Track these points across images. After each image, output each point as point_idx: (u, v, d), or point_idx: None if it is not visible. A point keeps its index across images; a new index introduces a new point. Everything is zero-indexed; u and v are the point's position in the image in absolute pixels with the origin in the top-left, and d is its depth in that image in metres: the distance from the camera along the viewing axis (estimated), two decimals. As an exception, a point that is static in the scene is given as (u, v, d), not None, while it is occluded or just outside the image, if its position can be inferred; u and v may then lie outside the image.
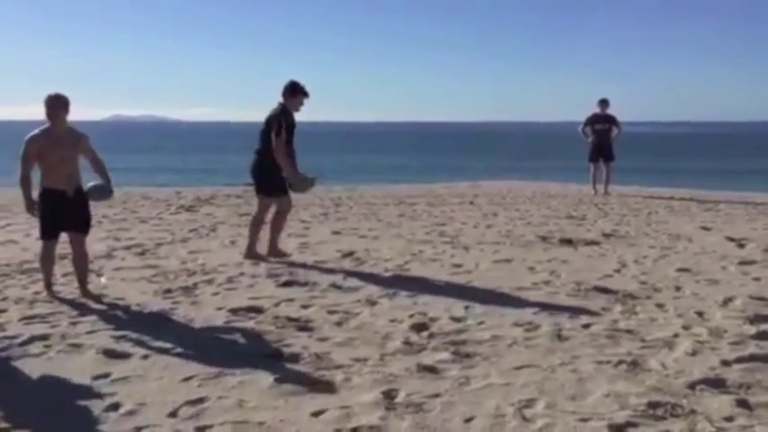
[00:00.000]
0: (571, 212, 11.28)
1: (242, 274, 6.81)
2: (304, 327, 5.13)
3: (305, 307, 5.65)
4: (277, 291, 6.19)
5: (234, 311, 5.50)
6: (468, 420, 3.53)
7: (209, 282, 6.50)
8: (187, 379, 4.11)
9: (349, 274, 6.83)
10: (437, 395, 3.85)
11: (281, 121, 7.19)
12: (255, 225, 7.56)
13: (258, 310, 5.54)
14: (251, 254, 7.44)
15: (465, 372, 4.21)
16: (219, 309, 5.59)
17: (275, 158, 7.23)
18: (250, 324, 5.19)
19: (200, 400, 3.79)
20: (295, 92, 7.37)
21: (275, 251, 7.52)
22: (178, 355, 4.52)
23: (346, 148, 50.35)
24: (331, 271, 6.93)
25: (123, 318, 5.42)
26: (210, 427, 3.49)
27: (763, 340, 4.70)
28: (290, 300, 5.85)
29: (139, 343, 4.75)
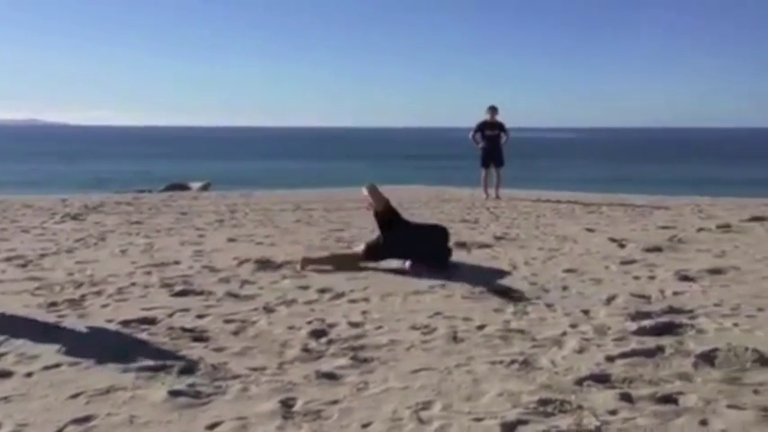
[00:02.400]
0: (465, 216, 11.56)
1: (133, 284, 6.57)
2: (199, 337, 5.01)
3: (200, 317, 5.52)
4: (171, 300, 6.01)
5: (125, 323, 5.30)
6: (365, 426, 3.55)
7: (98, 293, 6.23)
8: (74, 396, 3.92)
9: (245, 282, 6.72)
10: (335, 401, 3.85)
11: None
12: None
13: (151, 322, 5.36)
14: None
15: (363, 377, 4.23)
16: (110, 321, 5.37)
17: None
18: (142, 336, 5.01)
19: (88, 419, 3.62)
20: None
21: None
22: (64, 371, 4.31)
23: (239, 155, 49.46)
24: (227, 280, 6.80)
25: (4, 333, 5.10)
26: (100, 445, 3.35)
27: (644, 335, 4.98)
28: (185, 310, 5.70)
29: (22, 360, 4.50)
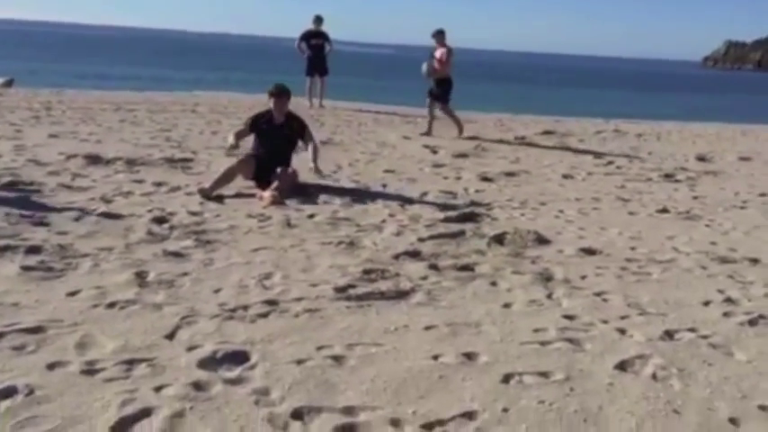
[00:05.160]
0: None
1: (-45, 175, 6.41)
2: (40, 222, 5.15)
3: (36, 205, 5.61)
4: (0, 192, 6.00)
5: (-44, 211, 5.28)
6: (216, 291, 4.04)
7: None
8: None
9: (77, 175, 6.78)
10: (186, 274, 4.29)
11: None
12: None
13: (-17, 210, 5.37)
14: None
15: (209, 255, 4.69)
16: (-62, 208, 5.31)
17: None
18: (-23, 222, 5.06)
19: (-56, 290, 3.79)
20: None
21: None
22: None
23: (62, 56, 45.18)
24: (56, 173, 6.81)
25: None
26: (-39, 311, 3.56)
27: (449, 223, 5.84)
28: (18, 199, 5.74)
29: None
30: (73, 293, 3.88)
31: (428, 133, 11.31)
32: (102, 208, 5.66)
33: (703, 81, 66.91)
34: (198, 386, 2.94)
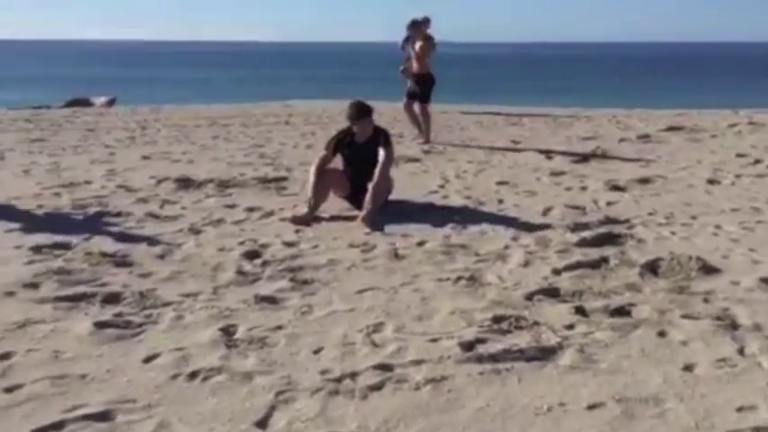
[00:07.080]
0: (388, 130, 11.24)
1: (41, 206, 6.03)
2: (122, 262, 4.61)
3: (120, 240, 5.09)
4: (85, 223, 5.53)
5: (36, 249, 4.81)
6: (316, 352, 3.32)
7: (1, 217, 5.66)
8: (-15, 333, 3.50)
9: (166, 201, 6.28)
10: (280, 327, 3.60)
11: None
12: None
13: (65, 247, 4.89)
14: None
15: (306, 300, 3.98)
16: (18, 247, 4.86)
17: None
18: (57, 262, 4.55)
19: (5, 356, 3.24)
20: None
21: None
22: (-30, 305, 3.85)
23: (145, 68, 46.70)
24: (145, 200, 6.33)
25: None
26: (21, 386, 2.97)
27: (586, 247, 4.92)
28: (102, 233, 5.25)
29: None
30: (150, 359, 3.24)
31: (427, 139, 9.81)
32: (191, 241, 5.08)
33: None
34: (299, 507, 2.21)
